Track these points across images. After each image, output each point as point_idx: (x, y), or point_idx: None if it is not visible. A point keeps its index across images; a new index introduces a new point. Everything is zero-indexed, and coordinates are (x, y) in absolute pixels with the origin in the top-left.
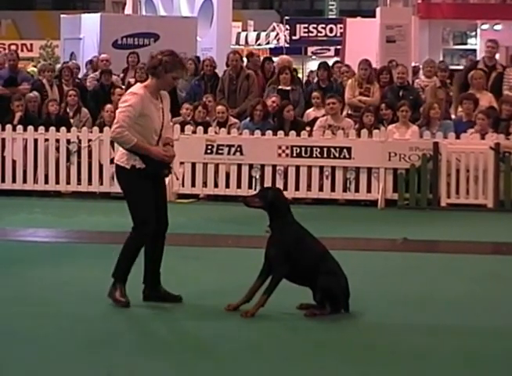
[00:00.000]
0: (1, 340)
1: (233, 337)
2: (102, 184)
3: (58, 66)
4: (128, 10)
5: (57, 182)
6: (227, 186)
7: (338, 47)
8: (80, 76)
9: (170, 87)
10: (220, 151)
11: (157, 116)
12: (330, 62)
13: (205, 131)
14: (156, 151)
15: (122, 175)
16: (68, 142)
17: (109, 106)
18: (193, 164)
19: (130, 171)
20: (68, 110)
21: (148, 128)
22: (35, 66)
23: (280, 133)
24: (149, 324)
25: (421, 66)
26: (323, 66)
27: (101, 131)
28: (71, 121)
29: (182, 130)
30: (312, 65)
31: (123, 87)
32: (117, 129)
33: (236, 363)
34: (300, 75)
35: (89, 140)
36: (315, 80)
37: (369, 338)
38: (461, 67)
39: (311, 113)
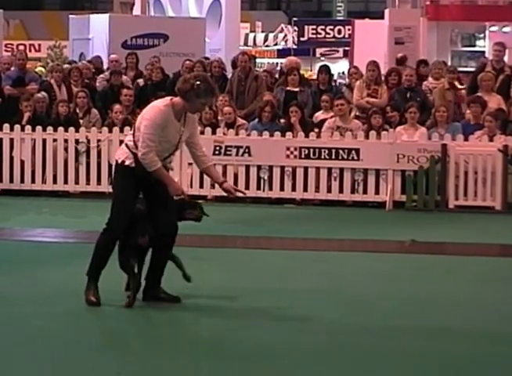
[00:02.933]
0: (12, 339)
1: (242, 337)
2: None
3: (66, 66)
4: (137, 11)
5: (66, 182)
6: None
7: (346, 48)
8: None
9: (197, 112)
10: (228, 152)
11: (173, 136)
12: (339, 63)
13: (213, 133)
14: (177, 187)
15: (115, 169)
16: (77, 142)
17: (117, 106)
18: None
19: (119, 166)
20: (78, 110)
21: (162, 143)
22: (43, 67)
23: (289, 134)
24: (155, 325)
25: (429, 68)
26: (324, 69)
27: (110, 131)
28: (81, 121)
29: None
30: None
31: (131, 87)
32: (143, 150)
33: (244, 364)
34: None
35: (98, 140)
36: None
37: (377, 340)
38: (469, 69)
39: (319, 115)
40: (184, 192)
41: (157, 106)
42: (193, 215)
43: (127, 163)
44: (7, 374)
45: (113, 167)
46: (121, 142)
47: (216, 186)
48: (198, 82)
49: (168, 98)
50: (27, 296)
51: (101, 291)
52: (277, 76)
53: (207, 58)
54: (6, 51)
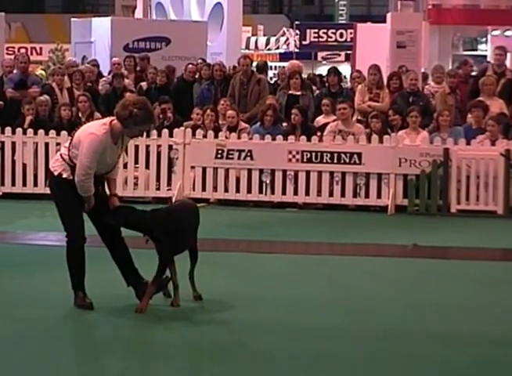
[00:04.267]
0: (12, 343)
1: (244, 342)
2: None
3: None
4: (139, 14)
5: None
6: (237, 190)
7: (348, 52)
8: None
9: (134, 137)
10: (230, 156)
11: (110, 158)
12: (341, 67)
13: (216, 136)
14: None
15: (50, 181)
16: None
17: None
18: (204, 169)
19: (56, 179)
20: (80, 115)
21: (100, 165)
22: (44, 70)
23: (291, 138)
24: (154, 329)
25: (430, 72)
26: (333, 71)
27: None
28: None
29: (194, 134)
30: (323, 70)
31: (134, 90)
32: (83, 177)
33: (245, 370)
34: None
35: None
36: (326, 85)
37: (379, 345)
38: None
39: (320, 119)
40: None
41: (96, 134)
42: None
43: (64, 176)
44: None
45: (49, 177)
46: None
47: (218, 189)
48: (136, 109)
49: (108, 121)
50: (29, 299)
51: (99, 295)
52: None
53: (203, 60)
54: (8, 54)
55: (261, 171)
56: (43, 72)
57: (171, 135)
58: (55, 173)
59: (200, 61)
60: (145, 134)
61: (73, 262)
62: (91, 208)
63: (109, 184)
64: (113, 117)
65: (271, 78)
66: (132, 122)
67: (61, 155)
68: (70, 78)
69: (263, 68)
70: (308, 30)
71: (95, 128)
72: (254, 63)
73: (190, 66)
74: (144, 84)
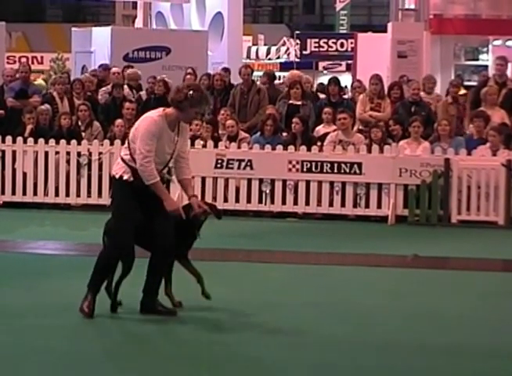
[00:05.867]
0: (13, 352)
1: (242, 352)
2: None
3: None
4: (139, 24)
5: (67, 195)
6: (237, 200)
7: (349, 62)
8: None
9: (191, 120)
10: (230, 165)
11: (168, 147)
12: (342, 77)
13: (215, 146)
14: (173, 203)
15: (113, 186)
16: (79, 154)
17: (119, 121)
18: (203, 179)
19: (118, 182)
20: (80, 123)
21: (158, 154)
22: (44, 80)
23: (291, 148)
24: (153, 339)
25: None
26: (334, 81)
27: (112, 144)
28: (83, 134)
29: (192, 144)
30: (324, 80)
31: (133, 100)
32: (143, 161)
33: None
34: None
35: (100, 153)
36: (325, 96)
37: (378, 356)
38: (472, 83)
39: (321, 129)
40: (180, 209)
41: (151, 116)
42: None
43: (125, 178)
44: None
45: (112, 181)
46: None
47: (218, 199)
48: (191, 92)
49: (161, 109)
50: (29, 308)
51: (100, 304)
52: None
53: (193, 70)
54: (8, 63)
55: (261, 181)
56: (42, 82)
57: None
58: (117, 176)
59: (189, 71)
60: None
61: (103, 265)
62: (174, 207)
63: (184, 186)
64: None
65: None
66: (188, 104)
67: (121, 157)
68: (70, 88)
69: (273, 78)
70: (308, 40)
71: (148, 114)
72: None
73: (188, 76)
74: (143, 93)
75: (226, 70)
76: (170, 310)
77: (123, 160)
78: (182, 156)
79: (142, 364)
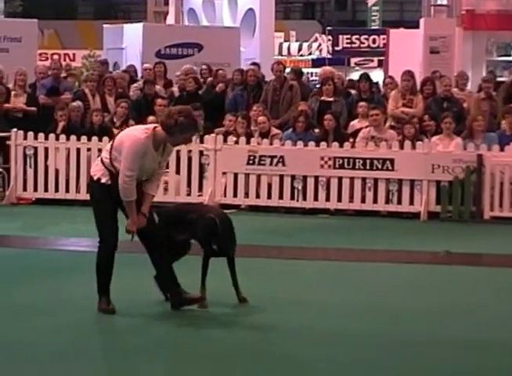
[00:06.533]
0: (47, 350)
1: (272, 349)
2: None
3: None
4: (170, 20)
5: None
6: (269, 196)
7: (381, 58)
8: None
9: (178, 145)
10: (262, 162)
11: (149, 165)
12: (374, 73)
13: (247, 142)
14: (134, 221)
15: (89, 186)
16: None
17: (151, 117)
18: (235, 175)
19: (95, 184)
20: (115, 119)
21: (139, 170)
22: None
23: (323, 144)
24: (178, 334)
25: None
26: (365, 77)
27: None
28: (115, 131)
29: (225, 140)
30: (355, 76)
31: (165, 97)
32: (127, 179)
33: (268, 374)
34: None
35: None
36: (355, 92)
37: (410, 353)
38: (504, 79)
39: (355, 124)
40: (134, 232)
41: (138, 137)
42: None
43: (103, 181)
44: None
45: (88, 182)
46: None
47: (250, 195)
48: (182, 118)
49: (151, 127)
50: (60, 305)
51: (131, 300)
52: None
53: (208, 66)
54: (41, 60)
55: (293, 177)
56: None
57: (201, 141)
58: (95, 178)
59: (204, 67)
60: None
61: (102, 266)
62: (133, 227)
63: (144, 200)
64: (152, 124)
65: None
66: (178, 130)
67: (101, 159)
68: (102, 85)
69: (301, 74)
70: (340, 36)
71: (137, 131)
72: (289, 69)
73: (221, 71)
74: (175, 89)
75: (255, 64)
76: (196, 297)
77: (102, 162)
78: (158, 171)
79: (169, 358)
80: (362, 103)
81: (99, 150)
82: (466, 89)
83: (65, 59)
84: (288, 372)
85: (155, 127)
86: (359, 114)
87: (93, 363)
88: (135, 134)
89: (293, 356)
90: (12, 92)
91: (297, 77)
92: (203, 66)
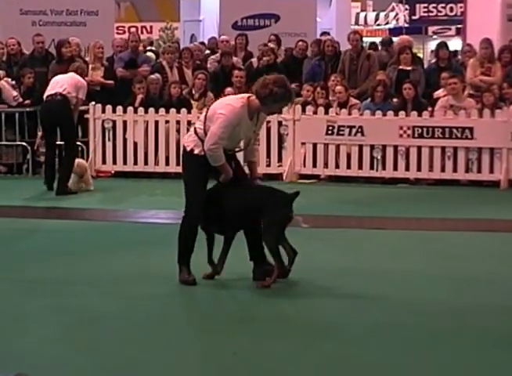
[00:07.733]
0: (126, 319)
1: (355, 318)
2: None
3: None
4: None
5: (178, 164)
6: (348, 166)
7: (459, 26)
8: None
9: (272, 114)
10: (341, 132)
11: (243, 134)
12: (452, 42)
13: (326, 112)
14: (228, 177)
15: (183, 156)
16: (189, 123)
17: (229, 89)
18: (314, 145)
19: (188, 154)
20: (194, 92)
21: (232, 139)
22: (152, 51)
23: (402, 113)
24: (261, 305)
25: None
26: (443, 45)
27: None
28: (195, 103)
29: (304, 110)
30: (433, 45)
31: (243, 68)
32: (212, 146)
33: (358, 345)
34: (420, 55)
35: None
36: (434, 60)
37: (484, 321)
38: None
39: (440, 93)
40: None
41: (234, 105)
42: None
43: (196, 152)
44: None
45: (182, 152)
46: None
47: (329, 165)
48: (276, 88)
49: (246, 96)
50: (140, 276)
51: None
52: None
53: (276, 36)
54: (118, 33)
55: (372, 147)
56: (151, 54)
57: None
58: (188, 148)
59: (272, 37)
60: None
61: (185, 238)
62: (228, 179)
63: (250, 168)
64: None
65: None
66: (272, 100)
67: (195, 130)
68: (179, 57)
69: (389, 44)
70: (417, 5)
71: (232, 100)
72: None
73: (300, 43)
74: (254, 60)
75: (327, 34)
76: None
77: (196, 132)
78: (253, 140)
79: (252, 330)
80: (444, 74)
81: (177, 123)
82: None
83: (142, 32)
84: (373, 342)
85: (249, 96)
86: (443, 83)
87: (177, 334)
88: (230, 103)
89: (378, 326)
90: (90, 66)
91: (387, 47)
92: (272, 37)
